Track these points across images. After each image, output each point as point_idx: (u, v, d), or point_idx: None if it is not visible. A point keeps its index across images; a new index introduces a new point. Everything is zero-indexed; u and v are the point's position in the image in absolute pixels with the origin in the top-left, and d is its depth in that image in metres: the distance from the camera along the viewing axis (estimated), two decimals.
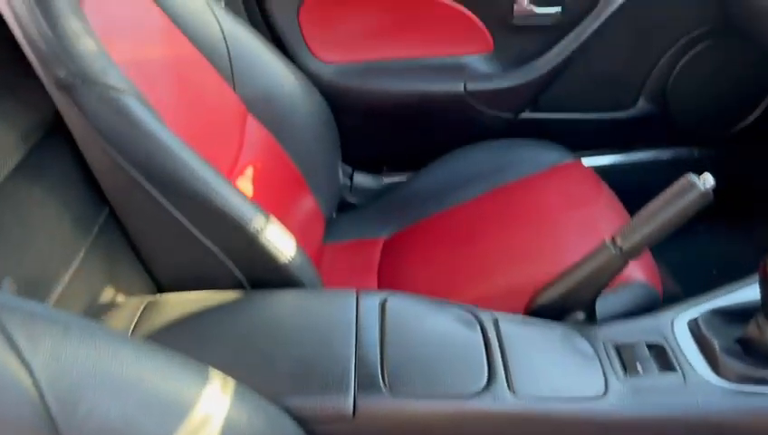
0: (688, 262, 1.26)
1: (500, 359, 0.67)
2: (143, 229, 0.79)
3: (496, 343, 0.68)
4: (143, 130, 0.69)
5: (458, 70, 1.30)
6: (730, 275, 0.77)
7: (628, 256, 0.73)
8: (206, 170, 0.73)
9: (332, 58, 1.30)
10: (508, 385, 0.64)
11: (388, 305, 0.71)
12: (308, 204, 1.16)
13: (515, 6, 1.24)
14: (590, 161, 1.38)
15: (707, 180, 0.70)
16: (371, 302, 0.72)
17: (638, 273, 0.92)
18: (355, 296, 0.72)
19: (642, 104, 1.35)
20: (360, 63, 1.30)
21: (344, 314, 0.70)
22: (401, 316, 0.71)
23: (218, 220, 0.73)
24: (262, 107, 1.07)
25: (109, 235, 0.78)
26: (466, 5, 1.25)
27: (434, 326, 0.70)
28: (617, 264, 0.74)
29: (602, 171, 1.20)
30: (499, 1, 1.25)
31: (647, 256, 0.96)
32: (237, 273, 0.77)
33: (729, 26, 1.24)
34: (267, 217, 0.77)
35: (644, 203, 0.74)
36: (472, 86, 1.28)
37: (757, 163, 1.39)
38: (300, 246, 0.80)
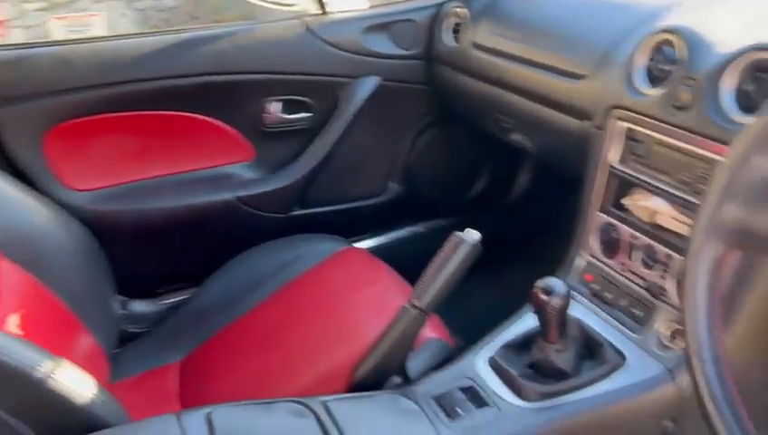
0: (463, 317, 1.40)
1: None
2: None
3: (333, 427, 0.69)
4: None
5: (226, 179, 1.33)
6: (500, 317, 0.89)
7: (426, 311, 0.81)
8: None
9: (88, 186, 1.23)
10: None
11: (215, 419, 0.68)
12: (86, 343, 1.05)
13: (266, 115, 1.33)
14: (360, 245, 1.50)
15: (473, 235, 0.82)
16: (195, 420, 0.68)
17: (431, 332, 1.00)
18: (176, 420, 0.68)
19: (392, 188, 1.53)
20: (120, 186, 1.25)
21: None
22: (231, 426, 0.68)
23: None
24: (16, 249, 0.96)
25: None
26: (220, 118, 1.30)
27: (268, 427, 0.69)
28: (418, 321, 0.81)
29: (373, 252, 1.30)
30: (249, 111, 1.32)
31: (434, 317, 1.06)
32: (29, 432, 0.67)
33: (448, 115, 1.48)
34: (54, 359, 0.69)
35: (414, 271, 0.83)
36: (242, 193, 1.31)
37: (495, 221, 1.63)
38: (99, 381, 0.73)
